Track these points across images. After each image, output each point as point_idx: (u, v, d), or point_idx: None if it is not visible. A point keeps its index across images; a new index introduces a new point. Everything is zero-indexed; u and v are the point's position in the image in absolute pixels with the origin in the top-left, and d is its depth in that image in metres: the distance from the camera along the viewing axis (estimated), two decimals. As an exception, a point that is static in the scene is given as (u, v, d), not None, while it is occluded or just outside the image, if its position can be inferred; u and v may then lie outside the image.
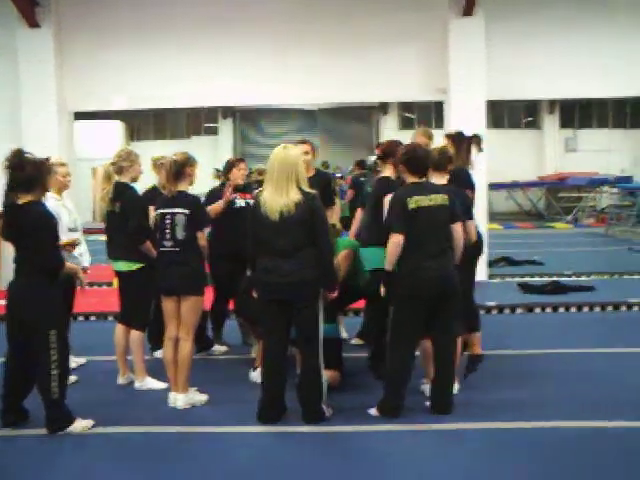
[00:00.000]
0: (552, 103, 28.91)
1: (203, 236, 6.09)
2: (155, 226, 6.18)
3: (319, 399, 5.63)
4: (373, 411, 5.80)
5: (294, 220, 5.40)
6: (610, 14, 17.31)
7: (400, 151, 5.97)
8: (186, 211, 5.98)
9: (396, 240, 5.56)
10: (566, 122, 30.22)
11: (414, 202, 5.61)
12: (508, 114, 30.31)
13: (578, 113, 30.31)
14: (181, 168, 6.10)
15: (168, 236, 6.02)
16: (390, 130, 28.78)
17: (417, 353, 5.99)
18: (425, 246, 5.63)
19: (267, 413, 5.65)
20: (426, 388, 6.12)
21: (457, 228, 5.85)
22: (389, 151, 6.82)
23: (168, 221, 6.00)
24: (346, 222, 8.80)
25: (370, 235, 6.76)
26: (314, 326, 5.55)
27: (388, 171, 6.81)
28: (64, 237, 6.48)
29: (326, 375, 6.09)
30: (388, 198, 6.18)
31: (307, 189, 5.52)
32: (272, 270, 5.49)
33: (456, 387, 6.19)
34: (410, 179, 5.80)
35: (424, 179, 5.82)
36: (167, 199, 6.12)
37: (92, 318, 9.56)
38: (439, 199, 5.70)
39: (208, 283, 6.31)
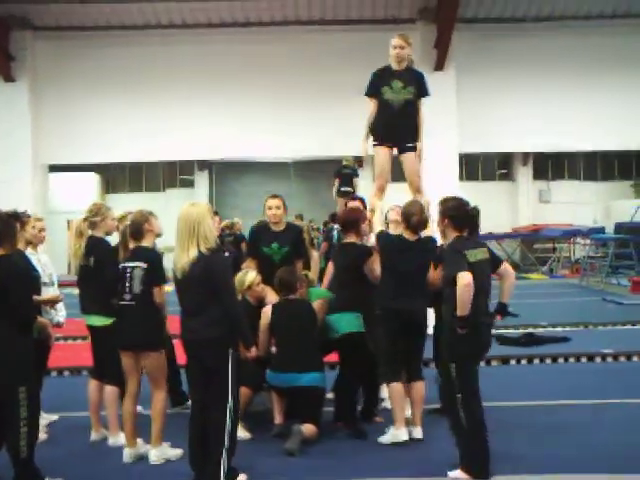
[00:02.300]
0: (525, 155, 29.29)
1: (160, 292, 6.03)
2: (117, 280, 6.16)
3: (217, 463, 5.31)
4: (457, 473, 5.49)
5: (192, 279, 5.35)
6: (580, 69, 17.69)
7: (446, 205, 5.74)
8: (144, 265, 5.99)
9: (467, 280, 5.26)
10: (539, 174, 30.61)
11: (473, 255, 5.48)
12: (482, 166, 30.65)
13: (551, 165, 30.73)
14: (138, 227, 6.13)
15: (127, 289, 6.02)
16: (365, 181, 28.97)
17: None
18: (480, 300, 5.45)
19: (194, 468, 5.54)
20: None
21: (506, 266, 5.78)
22: (350, 221, 6.89)
23: (128, 275, 6.02)
24: (320, 274, 8.83)
25: (340, 300, 6.80)
26: (223, 386, 5.37)
27: (352, 238, 6.86)
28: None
29: (305, 429, 6.11)
30: (368, 263, 6.56)
31: (209, 247, 5.39)
32: (183, 327, 5.51)
33: (419, 431, 6.39)
34: (453, 234, 5.65)
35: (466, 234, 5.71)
36: (128, 254, 6.15)
37: (65, 373, 9.44)
38: (485, 252, 5.66)
39: (167, 337, 6.35)
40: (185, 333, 5.52)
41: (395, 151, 7.23)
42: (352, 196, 9.65)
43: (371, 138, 7.27)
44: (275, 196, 7.55)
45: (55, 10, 16.26)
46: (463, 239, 5.63)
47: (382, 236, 6.63)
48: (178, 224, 5.46)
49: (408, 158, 7.11)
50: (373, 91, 7.14)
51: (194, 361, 5.51)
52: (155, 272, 6.02)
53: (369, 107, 7.21)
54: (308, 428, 6.33)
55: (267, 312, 6.68)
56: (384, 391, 7.42)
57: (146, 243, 6.13)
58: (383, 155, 7.15)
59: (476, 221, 5.78)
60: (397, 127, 7.03)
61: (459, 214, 5.67)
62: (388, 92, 6.98)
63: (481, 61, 17.11)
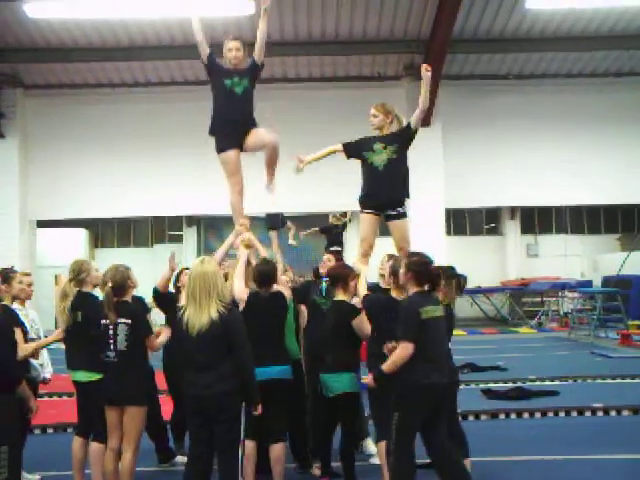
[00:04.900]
0: (513, 209, 29.44)
1: (153, 340, 6.09)
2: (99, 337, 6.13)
3: None
4: None
5: (210, 335, 5.37)
6: (563, 125, 17.99)
7: (411, 259, 5.80)
8: (128, 321, 5.99)
9: (407, 353, 5.51)
10: (527, 228, 30.74)
11: (426, 312, 5.58)
12: (470, 221, 30.79)
13: (538, 219, 30.89)
14: (122, 285, 6.14)
15: (111, 347, 6.01)
16: (355, 236, 29.08)
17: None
18: (433, 354, 5.59)
19: None
20: None
21: None
22: (339, 276, 6.84)
23: (110, 332, 6.00)
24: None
25: (334, 360, 6.73)
26: (232, 440, 5.42)
27: (341, 295, 6.81)
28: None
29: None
30: (356, 321, 6.46)
31: (225, 304, 5.46)
32: (194, 383, 5.45)
33: None
34: (413, 288, 5.72)
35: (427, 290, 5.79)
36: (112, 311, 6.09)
37: (49, 431, 9.29)
38: (441, 311, 5.76)
39: (151, 394, 6.28)
40: (196, 388, 5.44)
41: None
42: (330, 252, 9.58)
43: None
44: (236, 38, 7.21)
45: (45, 68, 16.49)
46: (422, 296, 5.70)
47: (369, 299, 6.57)
48: (192, 282, 5.45)
49: (396, 226, 6.94)
50: (353, 153, 7.08)
51: (201, 416, 5.44)
52: (141, 325, 6.02)
53: (346, 166, 7.23)
54: (275, 454, 6.31)
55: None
56: (372, 447, 7.35)
57: (127, 297, 6.15)
58: (368, 221, 7.00)
59: (438, 280, 5.82)
60: (381, 192, 6.87)
61: (422, 270, 5.72)
62: (371, 156, 6.86)
63: (467, 117, 17.41)
